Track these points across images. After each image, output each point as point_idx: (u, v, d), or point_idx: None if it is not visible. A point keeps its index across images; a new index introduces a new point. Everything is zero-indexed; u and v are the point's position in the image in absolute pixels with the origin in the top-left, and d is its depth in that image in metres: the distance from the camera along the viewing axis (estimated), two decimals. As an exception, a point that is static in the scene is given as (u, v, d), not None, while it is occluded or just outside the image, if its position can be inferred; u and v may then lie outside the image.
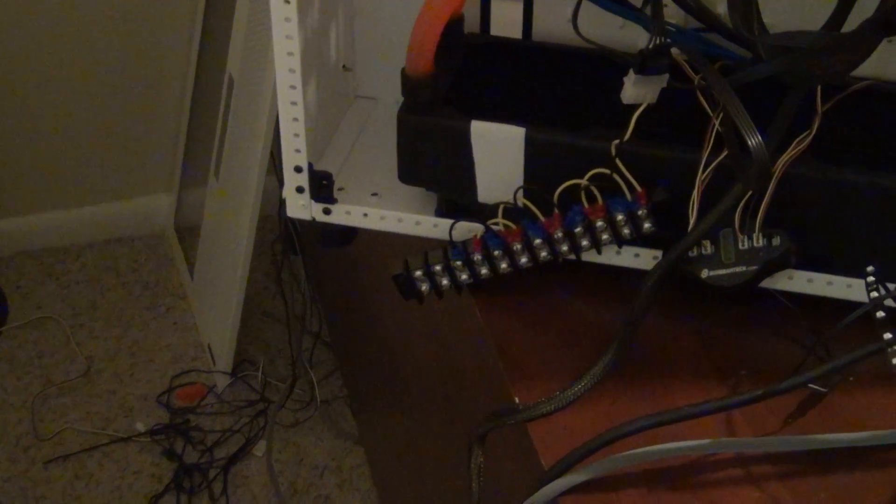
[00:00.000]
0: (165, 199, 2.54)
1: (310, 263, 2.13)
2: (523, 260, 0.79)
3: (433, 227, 0.85)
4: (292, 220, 2.11)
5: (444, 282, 0.81)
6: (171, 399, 2.16)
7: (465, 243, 0.80)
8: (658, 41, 0.74)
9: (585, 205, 0.78)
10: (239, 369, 2.20)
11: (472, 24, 0.93)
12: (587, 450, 0.70)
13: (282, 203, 2.25)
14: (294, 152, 0.83)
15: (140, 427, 2.10)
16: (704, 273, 0.77)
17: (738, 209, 0.75)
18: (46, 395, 2.16)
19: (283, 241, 2.28)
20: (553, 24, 0.93)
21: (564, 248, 0.79)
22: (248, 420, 2.12)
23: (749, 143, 0.67)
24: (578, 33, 0.77)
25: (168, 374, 2.21)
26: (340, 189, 0.87)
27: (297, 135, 0.82)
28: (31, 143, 2.36)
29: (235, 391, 2.18)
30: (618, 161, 0.76)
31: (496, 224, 0.79)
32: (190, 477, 2.01)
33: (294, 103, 0.81)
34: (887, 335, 0.67)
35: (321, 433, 2.11)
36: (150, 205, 2.55)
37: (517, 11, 0.93)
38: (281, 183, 2.05)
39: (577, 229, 0.78)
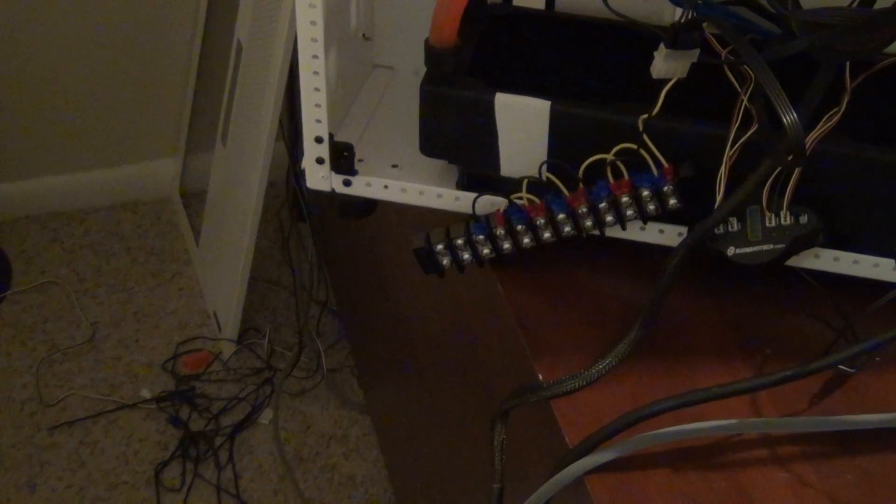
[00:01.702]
0: (171, 164, 2.53)
1: (317, 231, 2.12)
2: (546, 235, 0.79)
3: (455, 200, 0.84)
4: (299, 187, 2.10)
5: (466, 256, 0.81)
6: (176, 366, 2.16)
7: (487, 217, 0.79)
8: (690, 15, 0.72)
9: (611, 180, 0.77)
10: (245, 337, 2.20)
11: (494, -7, 0.92)
12: (613, 429, 0.69)
13: (289, 169, 2.24)
14: (315, 122, 0.82)
15: (146, 394, 2.10)
16: (730, 250, 0.76)
17: (766, 186, 0.75)
18: (51, 360, 2.15)
19: (290, 208, 2.28)
20: (577, -6, 0.91)
21: (588, 223, 0.78)
22: (254, 388, 2.11)
23: (784, 120, 0.66)
24: (607, 5, 0.76)
25: (174, 341, 2.20)
26: (360, 160, 0.86)
27: (318, 105, 0.81)
28: (36, 107, 2.35)
29: (241, 359, 2.18)
30: (645, 136, 0.75)
31: (520, 198, 0.78)
32: (196, 444, 2.01)
33: (316, 73, 0.80)
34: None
35: (327, 402, 2.11)
36: (155, 170, 2.54)
37: (540, -19, 0.92)
38: (289, 149, 2.05)
39: (602, 205, 0.77)
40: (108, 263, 2.38)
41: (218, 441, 2.02)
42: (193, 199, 2.45)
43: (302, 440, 2.03)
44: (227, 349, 2.17)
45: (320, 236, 2.13)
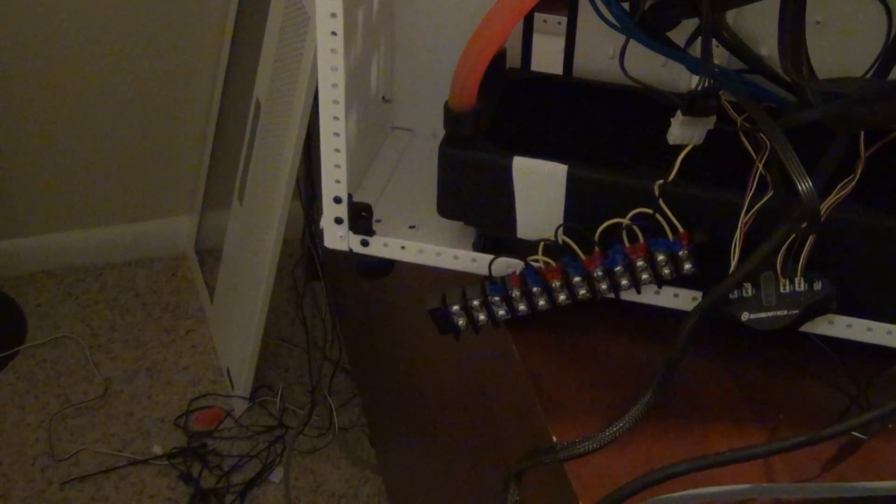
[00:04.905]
0: (187, 221, 2.54)
1: (331, 290, 2.12)
2: (562, 297, 0.79)
3: (471, 261, 0.85)
4: (314, 246, 2.11)
5: (482, 317, 0.81)
6: (188, 422, 2.16)
7: (503, 279, 0.80)
8: (707, 83, 0.73)
9: (626, 244, 0.77)
10: (257, 394, 2.19)
11: (512, 59, 0.94)
12: (627, 492, 0.69)
13: (305, 228, 2.24)
14: (334, 183, 0.83)
15: (157, 450, 2.09)
16: (745, 316, 0.76)
17: (781, 253, 0.75)
18: (64, 415, 2.15)
19: (305, 266, 2.29)
20: (594, 60, 0.93)
21: (604, 286, 0.79)
22: (265, 446, 2.11)
23: (800, 187, 0.67)
24: (626, 73, 0.77)
25: (186, 397, 2.20)
26: (378, 220, 0.87)
27: (337, 165, 0.82)
28: (54, 163, 2.37)
29: (253, 416, 2.18)
30: (661, 201, 0.76)
31: (536, 261, 0.79)
32: (206, 502, 2.00)
33: (336, 134, 0.81)
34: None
35: (338, 461, 2.10)
36: (171, 226, 2.55)
37: (558, 47, 0.93)
38: (304, 208, 2.05)
39: (618, 268, 0.78)
40: (122, 319, 2.39)
41: (228, 499, 2.01)
42: (208, 256, 2.46)
43: (312, 499, 2.03)
44: (240, 406, 2.17)
45: (334, 295, 2.14)
